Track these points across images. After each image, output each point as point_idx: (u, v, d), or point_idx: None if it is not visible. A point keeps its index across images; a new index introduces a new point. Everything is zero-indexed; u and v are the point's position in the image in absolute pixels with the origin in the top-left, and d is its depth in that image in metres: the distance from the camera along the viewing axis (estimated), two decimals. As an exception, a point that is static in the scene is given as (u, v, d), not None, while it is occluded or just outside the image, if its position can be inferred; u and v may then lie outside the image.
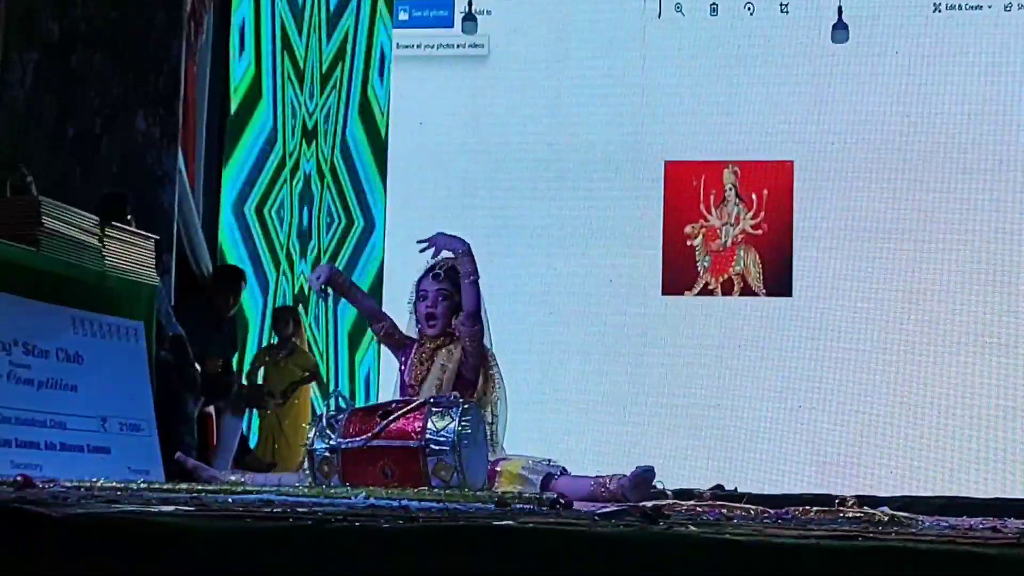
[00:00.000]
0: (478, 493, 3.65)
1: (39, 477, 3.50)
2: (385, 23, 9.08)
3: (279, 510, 2.37)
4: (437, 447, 4.07)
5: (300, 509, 2.41)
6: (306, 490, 3.65)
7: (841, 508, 3.06)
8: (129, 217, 5.62)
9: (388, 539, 1.92)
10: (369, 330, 5.33)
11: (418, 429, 4.12)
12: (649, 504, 2.76)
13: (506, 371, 4.92)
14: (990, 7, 8.46)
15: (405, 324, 4.95)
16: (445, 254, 4.69)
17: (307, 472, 4.30)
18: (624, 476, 4.42)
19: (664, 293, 8.65)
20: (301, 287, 8.96)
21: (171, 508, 2.28)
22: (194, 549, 1.91)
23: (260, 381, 8.11)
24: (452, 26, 8.93)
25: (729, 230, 8.65)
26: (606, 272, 8.65)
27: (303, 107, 9.14)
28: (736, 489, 7.07)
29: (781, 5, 8.66)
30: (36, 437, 4.19)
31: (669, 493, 4.44)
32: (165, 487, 3.54)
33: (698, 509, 3.06)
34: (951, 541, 1.97)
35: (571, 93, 8.81)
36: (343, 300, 5.79)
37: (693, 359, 8.50)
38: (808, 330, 8.45)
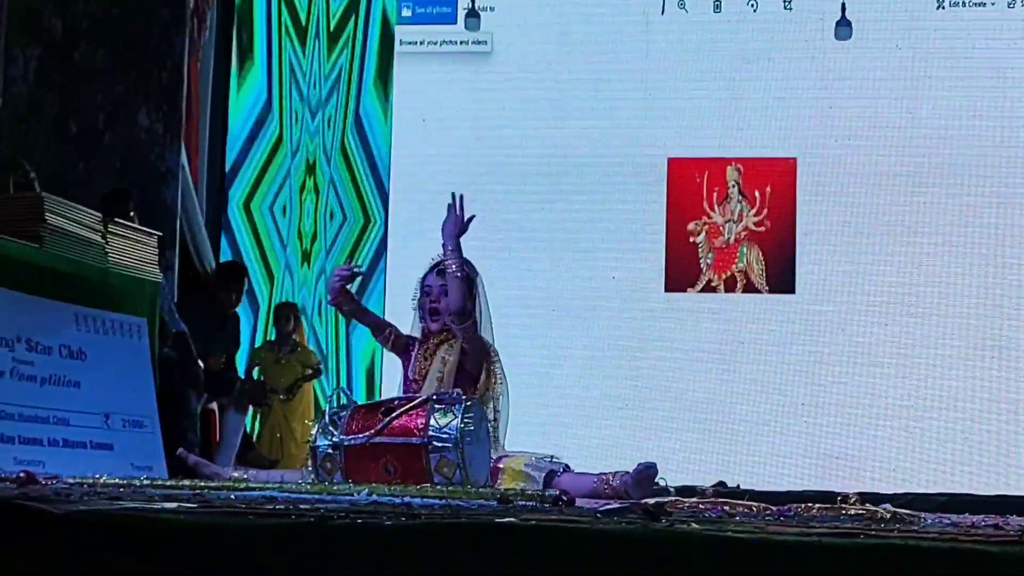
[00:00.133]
0: (480, 490, 3.65)
1: (42, 473, 3.50)
2: (389, 20, 9.07)
3: (282, 507, 2.37)
4: (440, 444, 4.08)
5: (303, 506, 2.42)
6: (309, 487, 3.65)
7: (843, 505, 3.06)
8: (132, 213, 5.64)
9: (390, 536, 1.92)
10: (373, 327, 5.34)
11: (421, 426, 4.13)
12: (652, 501, 2.75)
13: (508, 367, 4.93)
14: (994, 4, 8.44)
15: (409, 323, 4.97)
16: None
17: (310, 469, 4.30)
18: (627, 473, 4.43)
19: (667, 290, 8.63)
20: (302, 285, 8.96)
21: (174, 505, 2.28)
22: (197, 546, 1.92)
23: (260, 378, 8.11)
24: (455, 23, 8.91)
25: (732, 227, 8.63)
26: (609, 268, 8.64)
27: (306, 104, 9.13)
28: (738, 486, 7.08)
29: (784, 2, 8.64)
30: (39, 433, 4.20)
31: (672, 490, 4.44)
32: (168, 484, 3.55)
33: (700, 506, 3.05)
34: (953, 539, 1.96)
35: (574, 89, 8.79)
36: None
37: (696, 356, 8.49)
38: (811, 327, 8.43)
